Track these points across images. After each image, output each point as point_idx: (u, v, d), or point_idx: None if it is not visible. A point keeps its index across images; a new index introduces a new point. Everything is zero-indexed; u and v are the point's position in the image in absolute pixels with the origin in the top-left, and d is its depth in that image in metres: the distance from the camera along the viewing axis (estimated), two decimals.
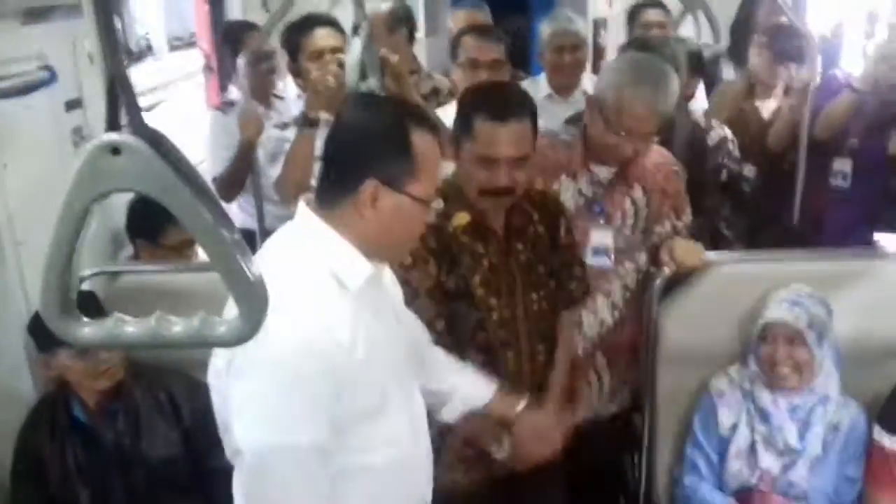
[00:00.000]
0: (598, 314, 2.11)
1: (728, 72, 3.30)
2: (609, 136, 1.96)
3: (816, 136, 2.77)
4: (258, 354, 1.19)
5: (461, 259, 1.75)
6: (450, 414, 1.66)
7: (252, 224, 2.81)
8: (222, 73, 3.70)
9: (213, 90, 4.04)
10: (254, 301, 0.64)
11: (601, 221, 2.07)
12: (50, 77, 1.92)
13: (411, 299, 1.61)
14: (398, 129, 1.28)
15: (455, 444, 1.81)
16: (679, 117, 2.52)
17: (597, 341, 2.12)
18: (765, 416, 1.94)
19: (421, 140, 1.29)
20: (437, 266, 1.72)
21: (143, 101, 3.95)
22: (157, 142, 0.63)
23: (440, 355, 1.66)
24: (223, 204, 2.52)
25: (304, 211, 1.33)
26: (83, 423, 1.92)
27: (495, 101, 1.71)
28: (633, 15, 3.39)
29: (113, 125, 0.59)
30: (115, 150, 0.62)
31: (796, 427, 1.92)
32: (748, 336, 2.00)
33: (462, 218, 1.74)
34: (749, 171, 2.97)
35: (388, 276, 1.46)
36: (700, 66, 2.80)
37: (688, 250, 2.05)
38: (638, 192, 2.08)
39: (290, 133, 2.53)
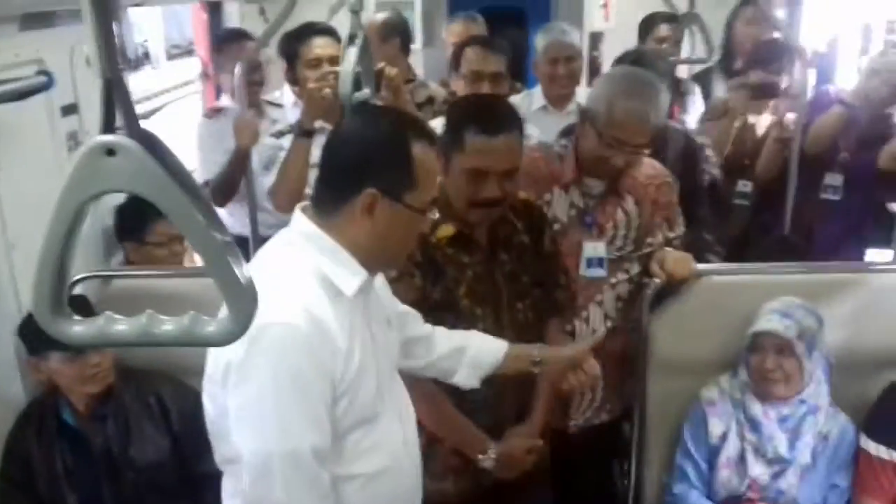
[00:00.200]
0: (590, 324, 2.12)
1: (720, 87, 3.34)
2: (601, 149, 1.98)
3: (807, 151, 2.80)
4: (255, 360, 1.20)
5: (446, 271, 1.76)
6: (466, 379, 1.66)
7: (240, 231, 2.82)
8: (216, 81, 3.71)
9: (209, 97, 4.05)
10: (243, 302, 0.65)
11: (593, 233, 2.08)
12: (47, 82, 1.93)
13: None
14: (398, 139, 1.30)
15: (442, 452, 1.82)
16: (670, 131, 2.55)
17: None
18: (755, 426, 1.96)
19: (420, 151, 1.31)
20: (423, 278, 1.73)
21: (141, 108, 3.95)
22: (152, 144, 0.64)
23: (437, 329, 1.67)
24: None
25: (299, 218, 1.34)
26: (72, 427, 1.92)
27: (485, 115, 1.72)
28: (645, 27, 3.41)
29: (108, 127, 0.60)
30: (110, 151, 0.63)
31: (786, 436, 1.93)
32: (738, 346, 2.01)
33: (446, 230, 1.75)
34: (744, 185, 3.01)
35: (379, 282, 1.47)
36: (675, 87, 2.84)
37: (678, 261, 2.07)
38: (630, 204, 2.10)
39: (286, 141, 2.54)
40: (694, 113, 3.29)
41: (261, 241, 1.93)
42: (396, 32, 3.25)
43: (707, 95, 3.37)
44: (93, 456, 1.90)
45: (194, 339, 0.66)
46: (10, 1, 1.83)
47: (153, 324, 0.66)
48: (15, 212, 1.92)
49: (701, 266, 2.14)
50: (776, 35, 3.07)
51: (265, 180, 2.62)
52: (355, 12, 1.76)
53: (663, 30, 3.29)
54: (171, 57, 5.14)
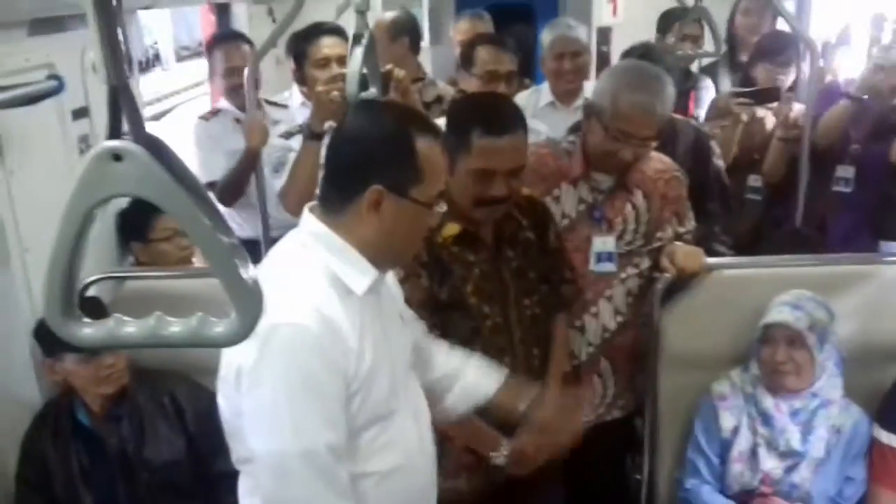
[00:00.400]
0: (601, 319, 2.12)
1: (725, 82, 3.32)
2: (608, 143, 1.97)
3: (816, 145, 2.78)
4: (267, 361, 1.21)
5: (453, 269, 1.76)
6: (449, 412, 1.61)
7: (245, 234, 2.83)
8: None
9: (217, 99, 4.07)
10: (249, 303, 0.66)
11: (603, 227, 2.08)
12: (58, 86, 1.95)
13: None
14: (402, 134, 1.30)
15: (454, 450, 1.82)
16: (679, 124, 2.54)
17: (600, 346, 2.13)
18: (766, 420, 1.95)
19: (424, 145, 1.30)
20: (430, 278, 1.74)
21: (151, 110, 3.97)
22: (157, 149, 0.65)
23: (438, 345, 1.64)
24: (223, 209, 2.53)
25: (308, 218, 1.35)
26: (88, 428, 1.94)
27: (490, 116, 1.72)
28: (666, 22, 3.38)
29: (115, 133, 0.60)
30: (117, 156, 0.63)
31: (798, 430, 1.93)
32: (750, 340, 2.01)
33: (452, 228, 1.76)
34: (755, 180, 2.99)
35: (390, 279, 1.48)
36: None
37: (689, 255, 2.06)
38: (639, 198, 2.10)
39: (295, 142, 2.54)
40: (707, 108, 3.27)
41: (271, 242, 1.93)
42: (405, 31, 3.25)
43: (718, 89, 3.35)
44: (108, 456, 1.92)
45: (202, 341, 0.67)
46: (19, 6, 1.84)
47: (161, 325, 0.67)
48: (28, 215, 1.94)
49: (711, 260, 2.14)
50: (781, 26, 3.04)
51: (275, 183, 2.63)
52: (361, 12, 1.77)
53: (688, 28, 3.27)
54: (180, 59, 5.16)
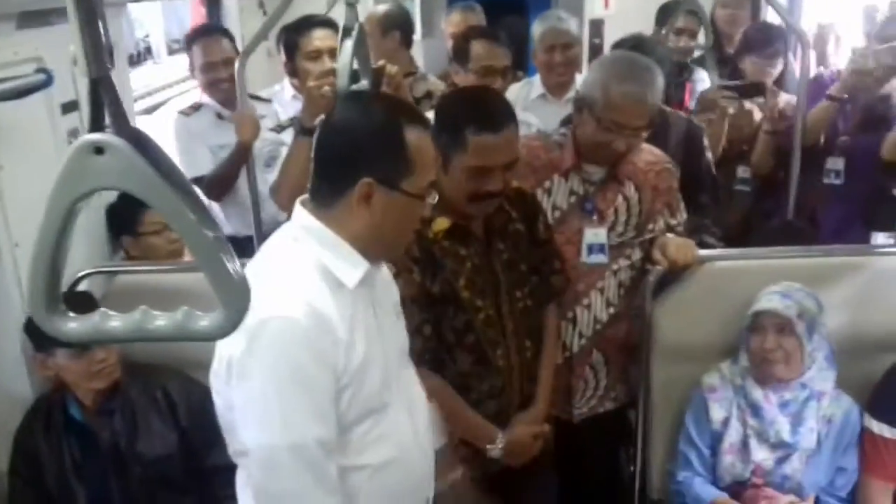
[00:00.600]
0: (593, 311, 2.12)
1: (713, 74, 3.32)
2: (600, 134, 1.97)
3: (802, 139, 2.78)
4: (256, 355, 1.21)
5: (444, 264, 1.76)
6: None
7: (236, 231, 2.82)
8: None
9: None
10: (235, 297, 0.65)
11: (594, 219, 2.08)
12: (47, 80, 1.93)
13: None
14: (391, 126, 1.29)
15: (450, 443, 1.82)
16: (671, 116, 2.54)
17: (592, 337, 2.14)
18: (756, 411, 1.96)
19: (414, 136, 1.30)
20: (422, 273, 1.74)
21: (143, 104, 3.95)
22: (140, 142, 0.65)
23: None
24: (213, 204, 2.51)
25: (300, 211, 1.34)
26: (80, 423, 1.94)
27: (484, 112, 1.71)
28: (664, 16, 3.38)
29: (97, 126, 0.60)
30: (99, 149, 0.63)
31: (788, 421, 1.94)
32: (740, 332, 2.01)
33: (442, 223, 1.76)
34: (744, 171, 2.99)
35: (384, 272, 1.47)
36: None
37: (681, 247, 2.07)
38: (630, 190, 2.10)
39: (287, 136, 2.53)
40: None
41: (263, 237, 1.93)
42: (397, 25, 3.24)
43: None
44: (100, 451, 1.92)
45: (187, 334, 0.67)
46: None
47: (147, 319, 0.67)
48: (18, 209, 1.93)
49: (703, 252, 2.14)
50: (770, 18, 3.04)
51: (268, 177, 2.62)
52: (351, 4, 1.76)
53: (684, 21, 3.27)
54: (171, 52, 5.14)
